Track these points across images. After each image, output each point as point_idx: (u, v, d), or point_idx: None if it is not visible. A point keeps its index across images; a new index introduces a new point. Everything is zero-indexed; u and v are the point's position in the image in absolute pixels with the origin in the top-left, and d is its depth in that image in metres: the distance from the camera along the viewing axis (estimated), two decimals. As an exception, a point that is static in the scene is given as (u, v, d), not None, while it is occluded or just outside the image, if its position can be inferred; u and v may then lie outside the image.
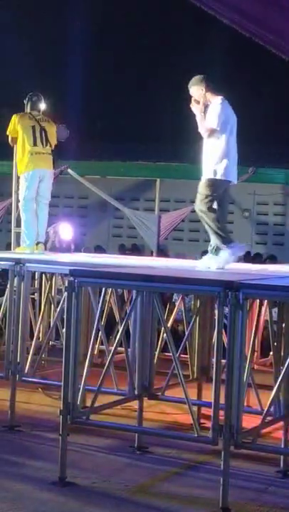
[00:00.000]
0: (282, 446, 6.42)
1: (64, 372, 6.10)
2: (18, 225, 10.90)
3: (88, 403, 6.53)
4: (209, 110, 7.49)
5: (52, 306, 8.78)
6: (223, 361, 5.75)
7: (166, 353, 7.18)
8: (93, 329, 6.68)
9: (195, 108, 7.57)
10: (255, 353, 7.97)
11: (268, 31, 8.68)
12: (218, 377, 5.67)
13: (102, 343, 7.62)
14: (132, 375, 6.79)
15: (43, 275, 9.02)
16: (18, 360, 7.49)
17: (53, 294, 8.93)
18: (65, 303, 6.24)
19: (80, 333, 6.37)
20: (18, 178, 10.96)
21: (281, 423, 6.47)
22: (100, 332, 6.99)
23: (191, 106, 7.59)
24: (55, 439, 6.33)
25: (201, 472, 6.52)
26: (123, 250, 15.73)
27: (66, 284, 6.21)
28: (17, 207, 10.20)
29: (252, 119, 16.19)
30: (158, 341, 7.47)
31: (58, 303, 8.11)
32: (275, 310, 7.20)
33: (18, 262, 7.57)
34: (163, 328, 6.77)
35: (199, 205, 7.42)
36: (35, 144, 8.88)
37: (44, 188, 9.02)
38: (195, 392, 7.61)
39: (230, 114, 7.52)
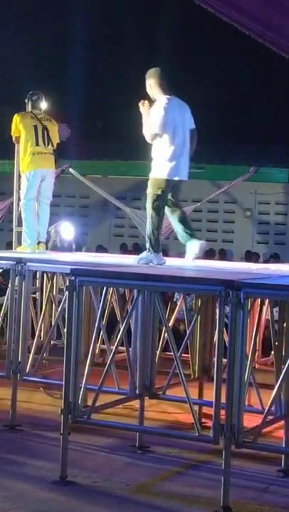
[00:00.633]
0: (284, 445, 6.41)
1: (65, 372, 6.10)
2: (20, 224, 10.90)
3: (89, 402, 6.53)
4: (152, 110, 7.43)
5: (53, 305, 8.77)
6: (224, 360, 5.75)
7: (168, 352, 7.18)
8: (94, 328, 6.68)
9: (141, 108, 7.51)
10: (257, 352, 7.96)
11: (268, 29, 8.66)
12: (220, 377, 5.67)
13: (103, 343, 7.62)
14: (133, 374, 6.79)
15: (44, 274, 9.02)
16: (20, 360, 7.49)
17: (54, 293, 8.93)
18: (66, 302, 6.24)
19: (81, 332, 6.37)
20: (20, 177, 10.98)
21: (282, 422, 6.47)
22: (101, 331, 6.99)
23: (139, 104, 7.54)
24: (56, 439, 6.33)
25: (202, 471, 6.52)
26: (124, 250, 15.73)
27: (67, 284, 6.21)
28: (18, 206, 10.20)
29: (253, 119, 16.23)
30: (159, 340, 7.46)
31: (59, 302, 8.11)
32: (276, 309, 7.20)
33: (19, 261, 7.57)
34: (164, 327, 6.77)
35: (146, 204, 7.61)
36: (37, 144, 8.86)
37: (46, 187, 9.01)
38: (196, 391, 7.61)
39: (176, 114, 7.42)
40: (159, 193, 7.44)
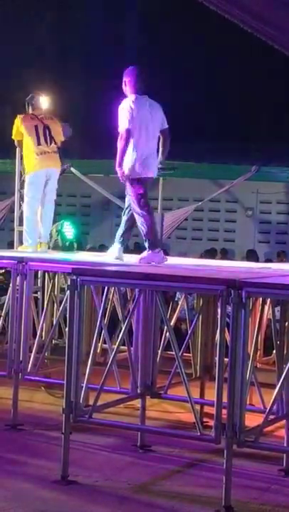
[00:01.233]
0: (285, 444, 6.41)
1: (67, 371, 6.10)
2: (21, 223, 10.90)
3: (91, 402, 6.52)
4: (120, 107, 7.56)
5: (54, 304, 8.77)
6: (226, 360, 5.74)
7: (169, 352, 7.18)
8: (96, 328, 6.67)
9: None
10: (258, 352, 7.95)
11: (270, 27, 8.65)
12: (221, 376, 5.67)
13: (104, 342, 7.62)
14: (134, 373, 6.78)
15: (46, 274, 9.01)
16: (21, 359, 7.49)
17: (55, 292, 8.92)
18: (68, 302, 6.24)
19: (83, 331, 6.36)
20: (21, 176, 10.97)
21: (284, 421, 6.46)
22: (103, 331, 6.98)
23: None
24: (58, 438, 6.33)
25: (203, 471, 6.51)
26: (126, 249, 15.70)
27: (69, 283, 6.20)
28: (20, 205, 10.19)
29: (255, 118, 16.22)
30: (161, 340, 7.46)
31: (61, 302, 8.11)
32: (277, 309, 7.19)
33: (20, 260, 7.57)
34: (166, 326, 6.77)
35: (132, 206, 7.70)
36: (39, 144, 8.81)
37: (51, 188, 8.95)
38: (198, 390, 7.61)
39: (143, 112, 7.48)
40: (141, 191, 7.52)
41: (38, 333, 8.19)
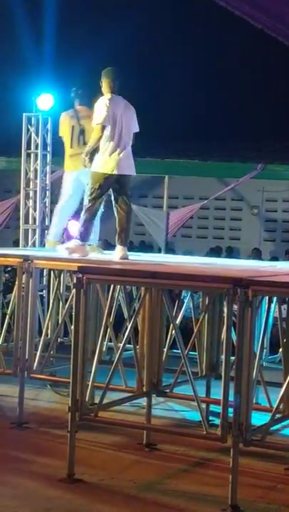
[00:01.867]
0: (291, 443, 6.40)
1: (72, 369, 6.09)
2: (27, 221, 10.90)
3: (97, 400, 6.52)
4: (95, 105, 7.88)
5: (60, 303, 8.76)
6: (232, 358, 5.73)
7: (175, 350, 7.17)
8: (102, 326, 6.66)
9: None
10: (264, 350, 7.93)
11: (280, 23, 8.60)
12: (227, 375, 5.65)
13: (110, 340, 7.61)
14: (140, 372, 6.77)
15: (51, 272, 9.01)
16: (27, 357, 7.49)
17: (61, 290, 8.91)
18: (74, 300, 6.23)
19: (89, 330, 6.35)
20: (26, 175, 10.96)
21: (290, 420, 6.45)
22: (109, 329, 6.97)
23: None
24: (64, 436, 6.33)
25: (209, 469, 6.50)
26: (130, 247, 15.70)
27: (74, 281, 6.19)
28: (25, 204, 10.19)
29: (261, 116, 16.17)
30: (166, 338, 7.45)
31: (66, 300, 8.10)
32: (284, 307, 7.18)
33: (26, 259, 7.56)
34: (172, 325, 6.75)
35: (85, 196, 8.05)
36: (71, 146, 8.71)
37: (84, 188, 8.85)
38: (204, 389, 7.59)
39: (117, 111, 7.76)
40: (96, 186, 7.83)
41: (44, 332, 8.18)
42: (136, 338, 6.91)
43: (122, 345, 6.59)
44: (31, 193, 10.89)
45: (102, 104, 7.78)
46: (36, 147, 10.89)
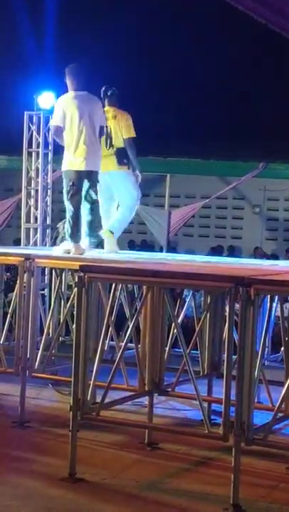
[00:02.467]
0: (294, 442, 6.38)
1: (74, 368, 6.08)
2: (28, 220, 10.90)
3: (98, 399, 6.50)
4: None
5: (62, 302, 8.75)
6: (234, 357, 5.72)
7: (177, 349, 7.15)
8: (103, 325, 6.65)
9: None
10: (266, 349, 7.92)
11: (284, 18, 8.55)
12: (229, 374, 5.64)
13: (112, 339, 7.60)
14: (142, 371, 6.76)
15: (53, 271, 9.00)
16: (28, 356, 7.48)
17: (62, 289, 8.90)
18: (75, 299, 6.22)
19: (90, 329, 6.34)
20: (28, 173, 10.95)
21: (292, 419, 6.43)
22: (110, 328, 6.96)
23: None
24: (65, 435, 6.32)
25: (211, 469, 6.49)
26: (132, 246, 15.71)
27: (76, 280, 6.18)
28: (27, 203, 10.17)
29: (263, 114, 16.14)
30: (168, 337, 7.44)
31: (68, 299, 8.09)
32: (286, 306, 7.16)
33: (27, 257, 7.55)
34: (173, 323, 6.74)
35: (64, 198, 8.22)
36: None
37: (116, 190, 8.73)
38: (205, 388, 7.58)
39: (71, 108, 7.96)
40: (71, 184, 8.03)
41: (45, 331, 8.17)
42: (138, 336, 6.90)
43: (123, 344, 6.58)
44: (33, 192, 10.89)
45: (55, 105, 8.20)
46: (38, 146, 10.89)
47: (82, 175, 8.02)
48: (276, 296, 6.98)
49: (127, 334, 6.58)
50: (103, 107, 8.68)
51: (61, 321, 8.26)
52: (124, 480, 6.11)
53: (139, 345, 6.88)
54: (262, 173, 14.34)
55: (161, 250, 13.41)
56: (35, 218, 10.93)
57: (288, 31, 9.10)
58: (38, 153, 10.88)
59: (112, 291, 6.92)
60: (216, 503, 5.68)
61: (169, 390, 7.08)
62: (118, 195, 8.70)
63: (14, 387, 7.89)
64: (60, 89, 10.48)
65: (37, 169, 10.89)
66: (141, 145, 8.77)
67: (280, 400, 5.83)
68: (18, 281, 7.66)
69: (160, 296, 6.74)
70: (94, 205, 8.16)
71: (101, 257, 7.94)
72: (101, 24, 17.37)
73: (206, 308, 7.40)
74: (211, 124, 16.19)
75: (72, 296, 7.08)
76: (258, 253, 14.97)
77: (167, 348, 7.23)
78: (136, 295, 7.67)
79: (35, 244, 10.58)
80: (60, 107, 8.06)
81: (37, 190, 10.89)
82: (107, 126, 8.50)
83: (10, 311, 8.31)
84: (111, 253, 8.29)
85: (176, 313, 7.06)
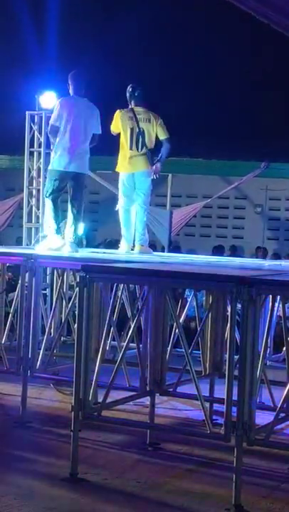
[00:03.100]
0: (295, 443, 6.37)
1: (76, 368, 6.08)
2: (30, 220, 10.90)
3: (100, 399, 6.50)
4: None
5: (63, 301, 8.75)
6: (236, 357, 5.71)
7: (178, 349, 7.14)
8: (105, 325, 6.65)
9: None
10: (268, 349, 7.91)
11: (286, 17, 8.54)
12: (231, 374, 5.63)
13: (113, 339, 7.59)
14: (143, 371, 6.76)
15: (55, 271, 8.99)
16: (30, 356, 7.47)
17: (64, 289, 8.90)
18: (77, 298, 6.21)
19: (92, 328, 6.34)
20: (30, 173, 10.95)
21: (294, 420, 6.42)
22: (112, 328, 6.96)
23: None
24: (67, 435, 6.31)
25: (213, 469, 6.48)
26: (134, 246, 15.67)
27: (78, 280, 6.18)
28: (28, 202, 10.16)
29: (265, 114, 16.13)
30: (170, 337, 7.43)
31: (70, 298, 8.09)
32: (288, 305, 7.15)
33: (29, 257, 7.55)
34: (175, 323, 6.73)
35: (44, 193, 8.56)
36: (131, 148, 8.68)
37: (139, 190, 8.82)
38: (207, 388, 7.57)
39: (70, 111, 8.22)
40: (52, 182, 8.29)
41: (47, 330, 8.17)
42: (139, 336, 6.89)
43: (125, 344, 6.58)
44: (34, 192, 10.91)
45: (55, 105, 8.45)
46: (39, 145, 10.90)
47: (67, 176, 8.24)
48: (278, 296, 6.99)
49: (129, 334, 6.57)
50: (129, 106, 8.75)
51: (63, 320, 8.25)
52: (126, 480, 6.10)
53: (141, 345, 6.87)
54: (264, 172, 14.33)
55: (163, 250, 13.41)
56: (37, 218, 10.95)
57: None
58: (39, 153, 10.90)
59: (114, 290, 6.91)
60: (218, 503, 5.67)
61: (171, 390, 7.07)
62: (139, 195, 8.79)
63: (16, 387, 7.89)
64: (62, 89, 10.49)
65: (38, 169, 10.90)
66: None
67: (281, 400, 5.81)
68: (19, 281, 7.66)
69: (162, 296, 6.74)
70: (79, 209, 8.35)
71: (103, 257, 7.93)
72: (103, 23, 17.38)
73: (208, 308, 7.39)
74: (213, 124, 16.19)
75: (73, 295, 7.08)
76: (259, 253, 14.95)
77: (169, 348, 7.23)
78: (137, 295, 7.67)
79: (36, 243, 10.58)
80: (59, 108, 8.27)
81: (38, 190, 10.89)
82: (139, 128, 8.62)
83: (12, 310, 8.31)
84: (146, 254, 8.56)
85: (177, 313, 7.06)
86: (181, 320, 7.40)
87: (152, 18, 17.29)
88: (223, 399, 5.71)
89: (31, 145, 10.85)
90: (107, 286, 7.20)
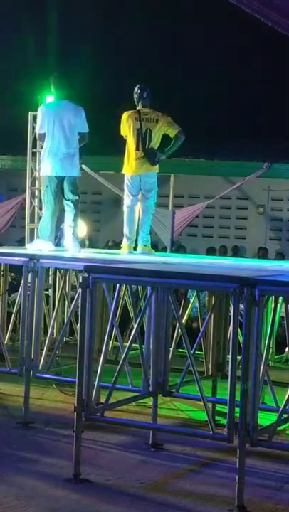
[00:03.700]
0: (298, 443, 6.36)
1: (78, 369, 6.07)
2: (32, 220, 10.89)
3: (102, 400, 6.50)
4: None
5: (66, 302, 8.75)
6: (239, 358, 5.70)
7: (181, 350, 7.14)
8: (107, 325, 6.64)
9: None
10: (271, 350, 7.91)
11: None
12: (234, 374, 5.62)
13: (116, 340, 7.59)
14: (146, 371, 6.75)
15: (57, 271, 8.99)
16: (32, 357, 7.47)
17: (66, 290, 8.90)
18: (80, 299, 6.21)
19: (94, 329, 6.33)
20: (32, 174, 10.95)
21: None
22: (114, 328, 6.95)
23: None
24: (69, 436, 6.31)
25: (216, 470, 6.47)
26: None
27: (80, 281, 6.17)
28: (31, 203, 10.15)
29: (267, 114, 16.12)
30: (172, 338, 7.43)
31: (72, 299, 8.09)
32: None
33: (32, 258, 7.55)
34: (177, 324, 6.73)
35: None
36: (137, 149, 8.68)
37: (146, 191, 8.82)
38: (210, 389, 7.57)
39: (51, 116, 8.36)
40: (44, 188, 8.44)
41: (50, 331, 8.17)
42: (142, 337, 6.89)
43: (127, 344, 6.57)
44: (37, 192, 10.88)
45: (38, 112, 8.61)
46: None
47: (57, 180, 8.34)
48: (280, 297, 6.98)
49: (131, 334, 6.57)
50: (137, 108, 8.77)
51: (65, 321, 8.25)
52: (129, 481, 6.10)
53: (144, 346, 6.87)
54: (266, 173, 14.30)
55: (165, 250, 13.40)
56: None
57: None
58: (42, 154, 10.86)
59: (117, 291, 6.91)
60: (221, 504, 5.67)
61: (174, 390, 7.06)
62: (145, 196, 8.81)
63: (18, 388, 7.89)
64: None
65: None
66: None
67: (284, 401, 5.80)
68: (22, 282, 7.66)
69: (164, 297, 6.73)
70: (75, 211, 8.39)
71: (105, 258, 7.93)
72: (105, 24, 17.38)
73: (211, 309, 7.39)
74: (215, 124, 16.18)
75: (76, 296, 7.07)
76: (260, 253, 14.95)
77: (171, 349, 7.22)
78: (140, 295, 7.67)
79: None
80: (41, 114, 8.45)
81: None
82: (145, 129, 8.63)
83: (14, 311, 8.31)
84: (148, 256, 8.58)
85: (180, 313, 7.06)
86: (184, 320, 7.40)
87: (153, 18, 17.29)
88: (226, 400, 5.70)
89: (34, 146, 10.83)
90: (110, 287, 7.20)
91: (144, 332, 6.97)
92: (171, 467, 6.53)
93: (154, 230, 14.25)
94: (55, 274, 9.24)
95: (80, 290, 6.20)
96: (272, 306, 7.20)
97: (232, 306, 5.84)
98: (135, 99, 8.84)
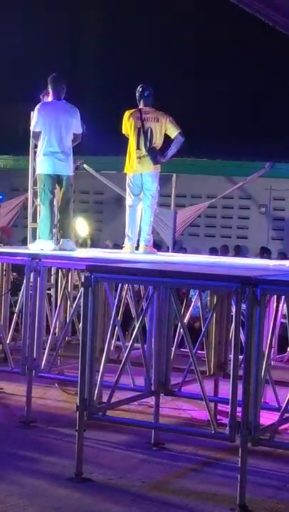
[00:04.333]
0: (300, 443, 6.37)
1: (80, 368, 6.08)
2: (35, 220, 10.89)
3: (104, 399, 6.50)
4: None
5: (68, 301, 8.76)
6: (240, 357, 5.71)
7: (183, 349, 7.14)
8: (109, 325, 6.65)
9: None
10: (272, 349, 7.91)
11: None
12: (236, 374, 5.63)
13: (118, 339, 7.59)
14: (148, 371, 6.76)
15: (59, 271, 9.00)
16: (35, 356, 7.48)
17: (69, 289, 8.91)
18: (82, 299, 6.22)
19: (97, 328, 6.34)
20: (34, 173, 10.95)
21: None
22: (117, 328, 6.96)
23: None
24: (71, 435, 6.32)
25: (218, 469, 6.48)
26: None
27: (82, 280, 6.18)
28: (33, 202, 10.14)
29: (269, 114, 16.12)
30: (174, 337, 7.43)
31: (74, 298, 8.09)
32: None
33: (34, 257, 7.56)
34: (179, 323, 6.74)
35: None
36: (138, 148, 8.69)
37: (147, 190, 8.84)
38: (212, 388, 7.57)
39: (47, 116, 8.45)
40: (42, 186, 8.55)
41: (52, 330, 8.18)
42: (144, 336, 6.89)
43: (130, 344, 6.58)
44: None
45: (34, 111, 8.59)
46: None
47: (52, 179, 8.46)
48: (282, 296, 6.98)
49: (134, 334, 6.57)
50: (139, 107, 8.76)
51: (67, 320, 8.26)
52: (131, 480, 6.11)
53: (146, 345, 6.88)
54: (268, 172, 14.32)
55: (167, 250, 13.41)
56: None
57: None
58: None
59: (119, 291, 6.92)
60: (223, 503, 5.67)
61: (176, 390, 7.07)
62: (147, 196, 8.81)
63: (21, 387, 7.90)
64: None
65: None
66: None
67: (286, 401, 5.81)
68: (24, 281, 7.67)
69: (166, 296, 6.74)
70: (68, 210, 8.56)
71: (107, 257, 7.94)
72: (106, 26, 17.40)
73: (213, 308, 7.39)
74: (218, 124, 16.19)
75: (78, 296, 7.08)
76: (264, 253, 14.95)
77: (173, 348, 7.23)
78: (142, 295, 7.67)
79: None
80: (37, 114, 8.49)
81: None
82: (146, 128, 8.62)
83: (16, 310, 8.32)
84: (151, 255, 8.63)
85: (182, 313, 7.06)
86: (186, 320, 7.40)
87: (154, 20, 17.32)
88: (228, 399, 5.71)
89: (36, 145, 10.84)
90: (112, 286, 7.21)
91: (146, 331, 6.97)
92: (173, 466, 6.54)
93: (156, 229, 14.28)
94: (57, 273, 9.24)
95: (82, 289, 6.21)
96: (274, 305, 7.20)
97: (234, 306, 5.85)
98: (137, 98, 8.85)
